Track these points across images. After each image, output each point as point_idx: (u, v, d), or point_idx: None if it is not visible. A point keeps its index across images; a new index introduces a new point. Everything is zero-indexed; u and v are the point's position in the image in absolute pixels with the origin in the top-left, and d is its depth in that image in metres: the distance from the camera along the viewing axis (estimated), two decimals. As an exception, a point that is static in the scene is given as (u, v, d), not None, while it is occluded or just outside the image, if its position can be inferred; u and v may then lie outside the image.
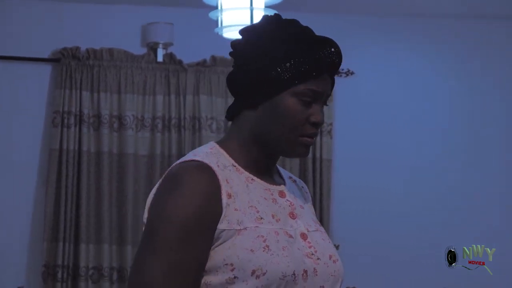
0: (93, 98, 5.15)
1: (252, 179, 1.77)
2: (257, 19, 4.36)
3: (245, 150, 1.80)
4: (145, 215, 1.75)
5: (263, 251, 1.67)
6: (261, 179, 1.79)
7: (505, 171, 5.48)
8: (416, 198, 5.40)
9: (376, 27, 5.28)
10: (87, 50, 5.17)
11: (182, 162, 1.76)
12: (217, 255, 1.67)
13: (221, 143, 1.83)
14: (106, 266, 5.03)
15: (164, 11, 5.28)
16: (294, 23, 1.81)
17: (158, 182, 1.78)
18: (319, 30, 1.85)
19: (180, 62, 5.24)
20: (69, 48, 5.15)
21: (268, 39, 1.78)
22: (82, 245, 5.02)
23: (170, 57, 5.23)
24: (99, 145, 5.11)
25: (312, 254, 1.74)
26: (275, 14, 1.82)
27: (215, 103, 5.25)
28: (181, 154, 5.16)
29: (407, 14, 5.39)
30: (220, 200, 1.69)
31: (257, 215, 1.72)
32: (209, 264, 1.67)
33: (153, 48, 5.23)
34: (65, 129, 5.09)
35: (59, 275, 4.99)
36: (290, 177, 1.92)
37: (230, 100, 5.27)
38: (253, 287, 1.65)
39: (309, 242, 1.75)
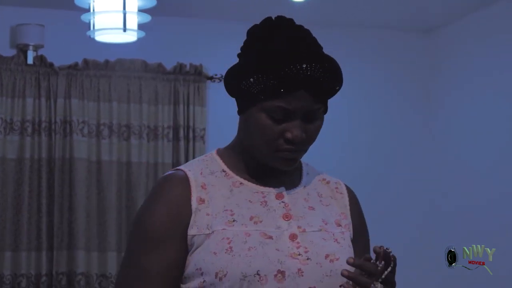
0: (-41, 100, 5.01)
1: (240, 183, 1.77)
2: (130, 23, 4.34)
3: (236, 155, 1.79)
4: None
5: (225, 252, 1.67)
6: (255, 182, 1.77)
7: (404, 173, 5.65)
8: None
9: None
10: (-47, 50, 5.02)
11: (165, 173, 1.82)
12: (191, 261, 1.69)
13: (222, 149, 1.83)
14: (-29, 273, 4.90)
15: (35, 12, 5.18)
16: (281, 30, 1.71)
17: None
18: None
19: (51, 64, 5.15)
20: None
21: (248, 48, 1.73)
22: None
23: (40, 59, 5.14)
24: (-35, 148, 4.97)
25: (299, 254, 1.69)
26: (277, 17, 1.73)
27: (87, 107, 5.18)
28: (51, 158, 5.07)
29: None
30: (189, 206, 1.71)
31: (229, 218, 1.71)
32: (187, 271, 1.71)
33: (23, 50, 5.12)
34: None
35: None
36: (324, 179, 1.88)
37: (103, 104, 5.22)
38: None
39: (298, 243, 1.71)
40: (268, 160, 1.73)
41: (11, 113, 5.07)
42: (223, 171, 1.78)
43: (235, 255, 1.66)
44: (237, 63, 1.74)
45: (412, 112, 5.81)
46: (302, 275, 1.68)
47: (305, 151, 1.75)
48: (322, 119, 1.74)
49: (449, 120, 5.62)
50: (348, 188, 1.90)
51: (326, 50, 1.74)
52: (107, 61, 5.24)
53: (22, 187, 5.02)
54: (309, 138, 1.72)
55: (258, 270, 1.65)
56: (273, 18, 1.74)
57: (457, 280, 5.11)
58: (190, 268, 1.70)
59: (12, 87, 5.09)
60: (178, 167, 1.79)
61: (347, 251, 1.77)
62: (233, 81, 1.73)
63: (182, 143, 5.28)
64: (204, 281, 1.68)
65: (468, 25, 5.44)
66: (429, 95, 5.77)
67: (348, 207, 1.86)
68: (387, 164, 5.74)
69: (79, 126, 5.14)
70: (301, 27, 1.73)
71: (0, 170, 5.00)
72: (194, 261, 1.69)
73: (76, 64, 5.19)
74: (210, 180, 1.76)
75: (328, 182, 1.88)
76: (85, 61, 5.21)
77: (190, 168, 1.77)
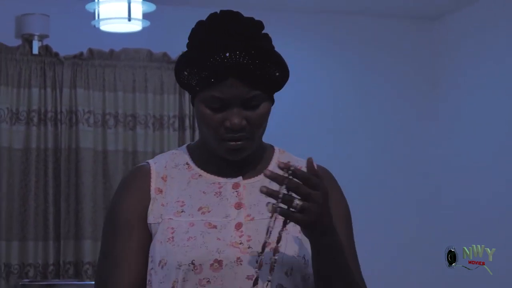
0: (-35, 91, 5.01)
1: (199, 175, 1.82)
2: (134, 12, 4.34)
3: (202, 148, 1.85)
4: None
5: (167, 242, 1.73)
6: (216, 173, 1.82)
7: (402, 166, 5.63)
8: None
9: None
10: (-42, 41, 5.02)
11: None
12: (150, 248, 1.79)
13: (193, 143, 1.90)
14: (-21, 263, 4.92)
15: (40, 2, 5.18)
16: (217, 23, 1.76)
17: None
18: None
19: (56, 54, 5.15)
20: None
21: (188, 42, 1.79)
22: (-47, 242, 4.89)
23: (46, 49, 5.14)
24: (-28, 139, 4.98)
25: (240, 243, 1.72)
26: (221, 11, 1.78)
27: (92, 97, 5.18)
28: (57, 148, 5.08)
29: (281, 9, 5.46)
30: (149, 196, 1.80)
31: (178, 209, 1.77)
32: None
33: (28, 40, 5.12)
34: None
35: None
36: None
37: (108, 93, 5.22)
38: (161, 277, 1.73)
39: (241, 232, 1.74)
40: (217, 151, 1.78)
41: (17, 103, 5.07)
42: (187, 163, 1.84)
43: (175, 245, 1.72)
44: (178, 58, 1.82)
45: (416, 106, 5.74)
46: (241, 264, 1.71)
47: (252, 139, 1.77)
48: (266, 107, 1.77)
49: (454, 113, 5.54)
50: (319, 169, 1.86)
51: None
52: (112, 51, 5.23)
53: (29, 177, 5.03)
54: (253, 126, 1.75)
55: (193, 260, 1.70)
56: (218, 12, 1.78)
57: (457, 279, 5.09)
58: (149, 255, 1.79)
59: (18, 77, 5.09)
60: (147, 160, 1.90)
61: (294, 238, 1.76)
62: (176, 74, 1.80)
63: (187, 132, 5.28)
64: (152, 268, 1.76)
65: (474, 12, 5.40)
66: (434, 85, 5.72)
67: None
68: (388, 159, 5.67)
69: (84, 116, 5.14)
70: (243, 20, 1.77)
71: (6, 160, 5.01)
72: (150, 248, 1.78)
73: (81, 54, 5.19)
74: (171, 172, 1.83)
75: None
76: (90, 51, 5.21)
77: (156, 161, 1.86)
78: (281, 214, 1.58)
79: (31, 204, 5.02)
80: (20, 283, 4.89)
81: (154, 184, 1.81)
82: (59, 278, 5.01)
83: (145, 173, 1.83)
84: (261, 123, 1.77)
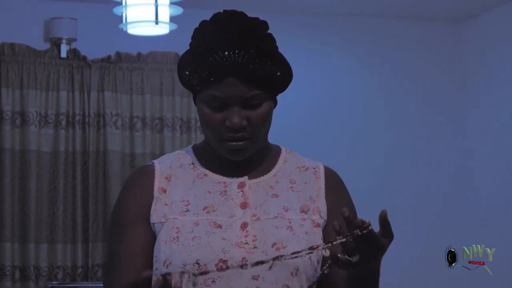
0: (-5, 94, 5.05)
1: (205, 175, 1.82)
2: (162, 15, 4.35)
3: (208, 148, 1.84)
4: None
5: (172, 241, 1.72)
6: (221, 173, 1.81)
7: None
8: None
9: (278, 24, 5.32)
10: (-12, 45, 5.06)
11: None
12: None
13: (198, 143, 1.90)
14: (8, 265, 4.94)
15: (68, 6, 5.21)
16: (218, 23, 1.77)
17: None
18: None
19: (84, 58, 5.17)
20: (-31, 43, 5.04)
21: (190, 43, 1.79)
22: (-17, 244, 4.92)
23: (74, 52, 5.16)
24: (0, 141, 5.01)
25: (246, 243, 1.72)
26: (224, 11, 1.78)
27: (120, 100, 5.21)
28: (85, 151, 5.11)
29: (313, 13, 5.45)
30: (152, 195, 1.79)
31: (183, 208, 1.76)
32: None
33: (56, 44, 5.15)
34: (-35, 126, 4.98)
35: (-41, 275, 4.88)
36: (303, 166, 1.87)
37: (135, 96, 5.24)
38: None
39: (247, 231, 1.73)
40: (218, 150, 1.79)
41: (45, 106, 5.10)
42: (192, 163, 1.84)
43: (180, 244, 1.72)
44: (180, 57, 1.82)
45: (444, 109, 5.69)
46: (246, 264, 1.68)
47: (253, 139, 1.76)
48: (267, 107, 1.77)
49: (483, 121, 5.50)
50: (327, 171, 1.88)
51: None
52: (139, 54, 5.25)
53: (57, 180, 5.06)
54: (254, 126, 1.75)
55: (198, 259, 1.69)
56: (221, 12, 1.79)
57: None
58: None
59: (46, 80, 5.12)
60: (152, 160, 1.90)
61: (300, 238, 1.75)
62: (178, 74, 1.81)
63: (215, 135, 5.29)
64: (156, 268, 1.75)
65: (503, 14, 5.34)
66: (462, 88, 5.66)
67: (322, 189, 1.84)
68: (412, 161, 5.64)
69: (112, 119, 5.16)
70: (246, 19, 1.77)
71: (35, 163, 5.04)
72: (154, 248, 1.77)
73: (109, 57, 5.22)
74: (176, 172, 1.83)
75: (306, 169, 1.87)
76: (118, 54, 5.23)
77: (161, 161, 1.87)
78: (334, 258, 1.54)
79: (60, 207, 5.05)
80: (49, 285, 4.92)
81: (157, 184, 1.81)
82: (88, 280, 5.04)
83: (149, 173, 1.83)
84: (262, 123, 1.76)
